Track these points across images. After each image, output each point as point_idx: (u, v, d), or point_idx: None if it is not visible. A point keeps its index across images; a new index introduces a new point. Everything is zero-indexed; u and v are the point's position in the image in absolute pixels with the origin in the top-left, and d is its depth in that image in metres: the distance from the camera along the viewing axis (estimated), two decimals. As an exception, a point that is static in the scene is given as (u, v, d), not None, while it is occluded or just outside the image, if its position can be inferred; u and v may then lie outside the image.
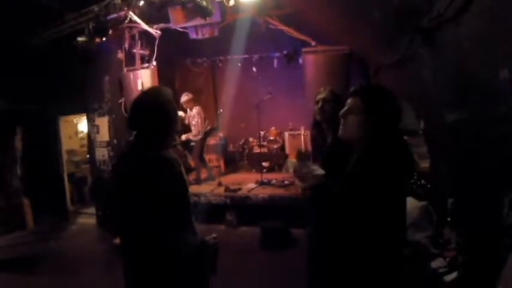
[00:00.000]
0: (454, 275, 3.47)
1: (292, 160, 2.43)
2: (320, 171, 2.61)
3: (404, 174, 2.16)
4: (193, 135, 8.59)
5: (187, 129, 8.72)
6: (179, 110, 7.76)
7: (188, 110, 8.67)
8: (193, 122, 8.56)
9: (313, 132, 3.74)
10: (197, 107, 8.62)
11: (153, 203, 2.10)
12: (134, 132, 2.31)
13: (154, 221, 2.10)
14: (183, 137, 8.65)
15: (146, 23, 7.15)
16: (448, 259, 3.65)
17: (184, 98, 8.51)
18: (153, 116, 2.25)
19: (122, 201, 2.26)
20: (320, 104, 3.35)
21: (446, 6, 3.57)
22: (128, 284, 2.31)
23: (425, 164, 4.85)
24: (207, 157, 9.39)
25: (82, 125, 10.95)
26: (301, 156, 2.79)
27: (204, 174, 8.97)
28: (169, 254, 2.13)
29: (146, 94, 2.41)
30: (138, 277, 2.24)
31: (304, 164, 2.73)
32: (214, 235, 2.43)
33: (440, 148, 4.54)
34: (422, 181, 4.69)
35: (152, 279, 2.18)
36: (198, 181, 8.64)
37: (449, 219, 3.96)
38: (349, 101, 2.26)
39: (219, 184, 8.20)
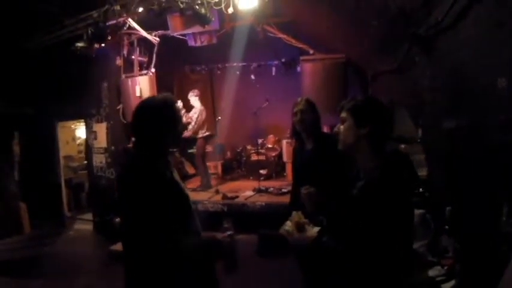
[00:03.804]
0: (451, 283, 3.47)
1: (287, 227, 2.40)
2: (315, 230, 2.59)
3: (411, 191, 2.17)
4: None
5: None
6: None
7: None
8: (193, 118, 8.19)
9: (294, 141, 4.05)
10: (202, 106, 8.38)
11: (146, 212, 2.05)
12: (133, 139, 2.30)
13: (149, 229, 2.06)
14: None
15: (145, 30, 7.19)
16: (445, 267, 3.64)
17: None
18: (146, 123, 2.22)
19: (121, 210, 2.25)
20: (299, 115, 3.58)
21: (444, 14, 3.59)
22: None
23: (422, 172, 4.86)
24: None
25: (79, 130, 10.93)
26: (299, 226, 2.73)
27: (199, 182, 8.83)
28: (166, 262, 2.09)
29: (144, 101, 2.37)
30: (139, 284, 2.22)
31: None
32: (228, 232, 2.51)
33: (438, 156, 4.55)
34: (420, 189, 4.69)
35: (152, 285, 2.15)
36: (195, 188, 8.53)
37: (447, 227, 3.96)
38: (342, 114, 2.28)
39: (217, 192, 8.12)
